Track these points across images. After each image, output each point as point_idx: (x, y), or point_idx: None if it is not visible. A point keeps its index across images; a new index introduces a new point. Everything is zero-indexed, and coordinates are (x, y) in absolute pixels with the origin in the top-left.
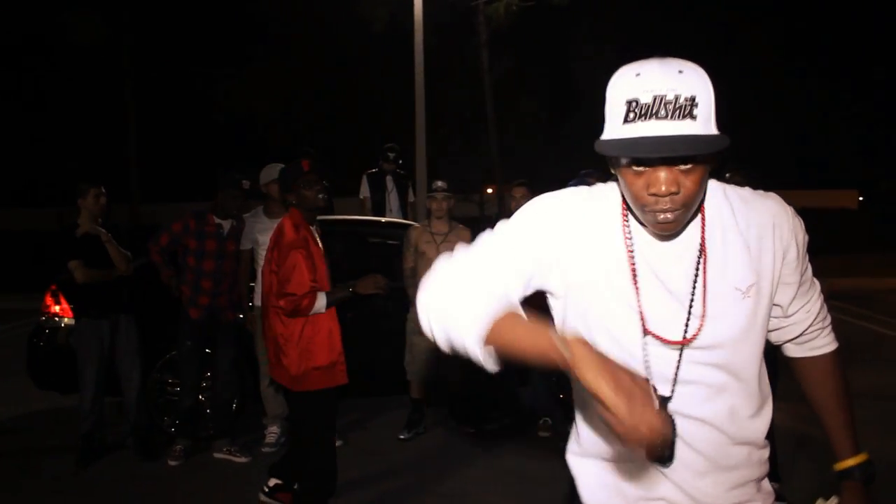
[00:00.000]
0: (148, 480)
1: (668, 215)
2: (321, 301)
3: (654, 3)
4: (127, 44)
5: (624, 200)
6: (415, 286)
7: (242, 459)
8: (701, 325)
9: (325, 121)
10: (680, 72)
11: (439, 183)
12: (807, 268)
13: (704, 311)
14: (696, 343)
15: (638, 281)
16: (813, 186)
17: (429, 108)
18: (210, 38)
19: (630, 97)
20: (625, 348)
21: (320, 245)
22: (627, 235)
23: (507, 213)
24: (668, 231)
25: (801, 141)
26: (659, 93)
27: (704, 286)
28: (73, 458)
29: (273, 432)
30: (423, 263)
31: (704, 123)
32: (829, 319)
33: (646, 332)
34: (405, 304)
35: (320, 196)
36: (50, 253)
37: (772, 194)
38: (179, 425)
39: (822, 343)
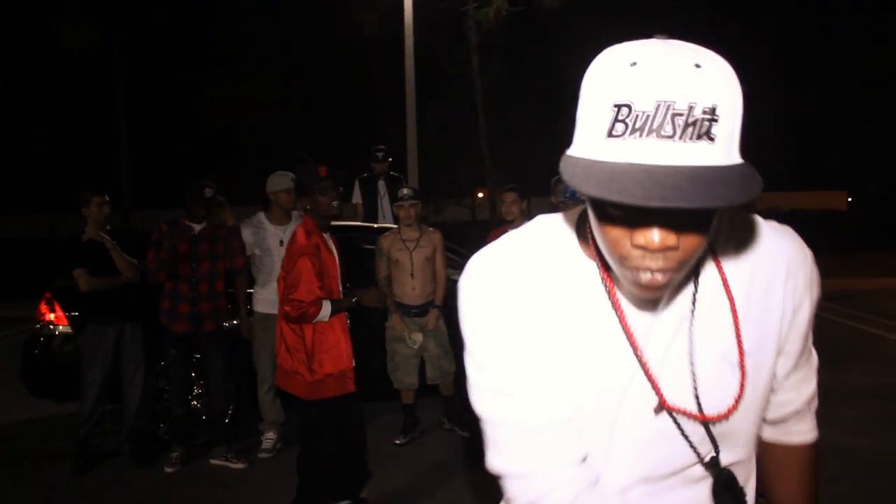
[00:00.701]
0: (144, 487)
1: (658, 276)
2: (326, 309)
3: (647, 6)
4: (118, 49)
5: (590, 238)
6: (391, 294)
7: (239, 466)
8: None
9: (316, 126)
10: (697, 66)
11: (405, 191)
12: (809, 333)
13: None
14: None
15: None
16: (802, 188)
17: (420, 112)
18: (201, 45)
19: (620, 99)
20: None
21: (334, 253)
22: (609, 291)
23: (499, 218)
24: (651, 296)
25: (789, 142)
26: (665, 98)
27: (739, 342)
28: (68, 465)
29: (269, 438)
30: (397, 271)
31: (725, 148)
32: (816, 402)
33: (668, 408)
34: (384, 312)
35: (334, 203)
36: (42, 260)
37: (787, 229)
38: (174, 432)
39: (804, 429)
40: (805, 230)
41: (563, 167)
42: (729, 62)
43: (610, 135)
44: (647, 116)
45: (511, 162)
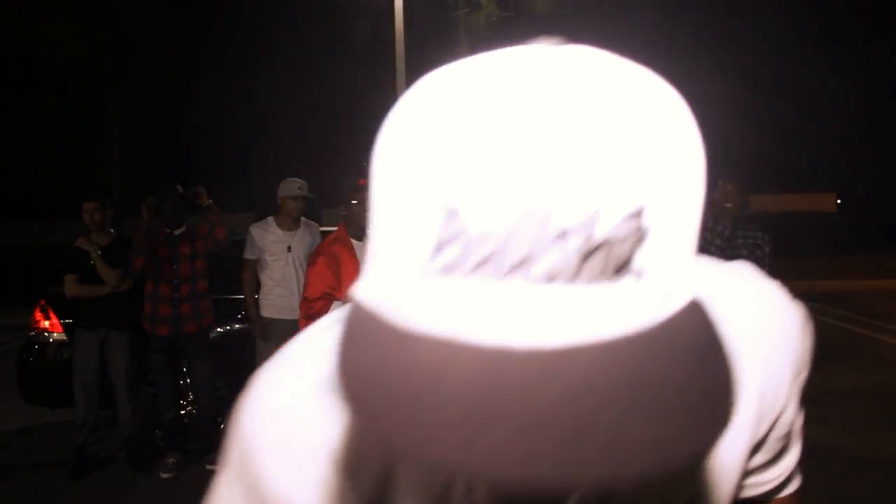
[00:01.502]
0: (141, 493)
1: None
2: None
3: (639, 10)
4: (109, 56)
5: None
6: None
7: None
8: None
9: (308, 132)
10: (605, 109)
11: None
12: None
13: None
14: None
15: None
16: (791, 189)
17: None
18: (191, 53)
19: (446, 198)
20: None
21: (360, 261)
22: None
23: None
24: None
25: (779, 144)
26: (538, 199)
27: None
28: (65, 472)
29: None
30: None
31: (666, 283)
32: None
33: None
34: None
35: (366, 213)
36: (35, 267)
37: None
38: (167, 438)
39: (788, 486)
40: (795, 232)
41: (340, 335)
42: (701, 68)
43: (427, 271)
44: (501, 239)
45: None
